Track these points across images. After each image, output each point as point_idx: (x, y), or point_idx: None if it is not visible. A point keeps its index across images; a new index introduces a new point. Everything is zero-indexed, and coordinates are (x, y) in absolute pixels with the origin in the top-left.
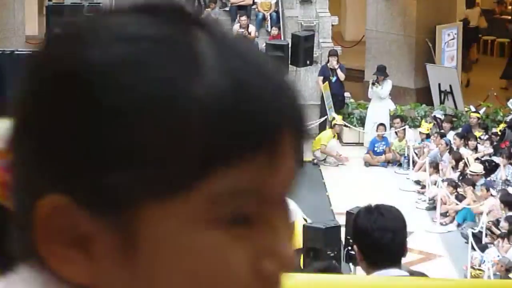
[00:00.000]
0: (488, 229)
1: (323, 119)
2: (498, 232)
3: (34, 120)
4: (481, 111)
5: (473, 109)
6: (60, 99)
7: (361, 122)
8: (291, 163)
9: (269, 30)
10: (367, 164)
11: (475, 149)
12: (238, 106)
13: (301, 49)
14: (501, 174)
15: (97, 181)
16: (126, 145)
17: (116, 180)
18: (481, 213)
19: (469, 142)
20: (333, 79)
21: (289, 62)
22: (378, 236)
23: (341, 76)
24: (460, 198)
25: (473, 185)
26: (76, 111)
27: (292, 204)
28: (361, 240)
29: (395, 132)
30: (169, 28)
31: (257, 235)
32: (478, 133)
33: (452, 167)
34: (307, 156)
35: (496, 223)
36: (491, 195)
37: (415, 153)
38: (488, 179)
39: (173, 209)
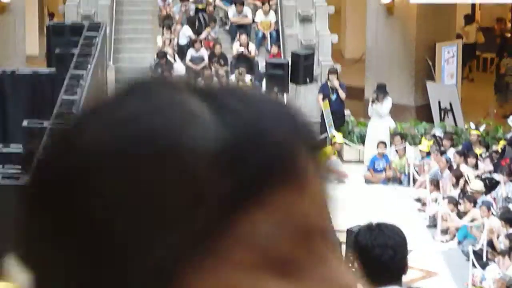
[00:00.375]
0: (489, 245)
1: (323, 137)
2: (499, 248)
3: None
4: (481, 129)
5: (473, 126)
6: (64, 208)
7: (362, 139)
8: (318, 185)
9: (269, 48)
10: (368, 181)
11: (476, 167)
12: (244, 146)
13: (301, 67)
14: (501, 191)
15: (129, 271)
16: (149, 220)
17: (148, 261)
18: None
19: (469, 160)
20: (333, 97)
21: (289, 80)
22: (379, 253)
23: (342, 94)
24: (461, 215)
25: (475, 202)
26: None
27: None
28: (362, 257)
29: (395, 150)
30: (159, 100)
31: (312, 272)
32: (478, 150)
33: (453, 185)
34: None
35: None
36: (492, 214)
37: (415, 170)
38: (489, 196)
39: (214, 268)
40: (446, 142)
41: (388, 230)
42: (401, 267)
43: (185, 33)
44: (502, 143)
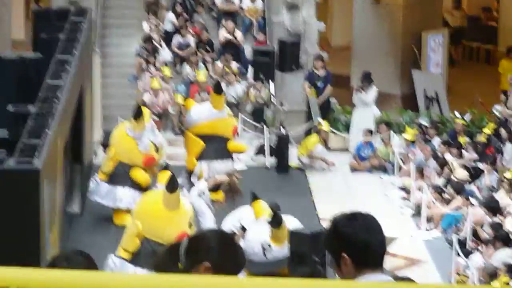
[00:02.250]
0: (473, 235)
1: (309, 124)
2: (483, 235)
3: None
4: (466, 117)
5: (458, 115)
6: None
7: (347, 128)
8: None
9: (256, 35)
10: (353, 169)
11: (460, 155)
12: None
13: (288, 55)
14: (485, 180)
15: None
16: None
17: None
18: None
19: (454, 149)
20: (320, 84)
21: (276, 67)
22: (366, 238)
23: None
24: (445, 203)
25: (459, 190)
26: None
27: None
28: (347, 245)
29: (381, 138)
30: None
31: None
32: (463, 139)
33: (438, 173)
34: (293, 162)
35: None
36: (471, 204)
37: (400, 159)
38: (473, 185)
39: None
40: (431, 131)
41: (369, 216)
42: (385, 251)
43: (170, 19)
44: (487, 132)
